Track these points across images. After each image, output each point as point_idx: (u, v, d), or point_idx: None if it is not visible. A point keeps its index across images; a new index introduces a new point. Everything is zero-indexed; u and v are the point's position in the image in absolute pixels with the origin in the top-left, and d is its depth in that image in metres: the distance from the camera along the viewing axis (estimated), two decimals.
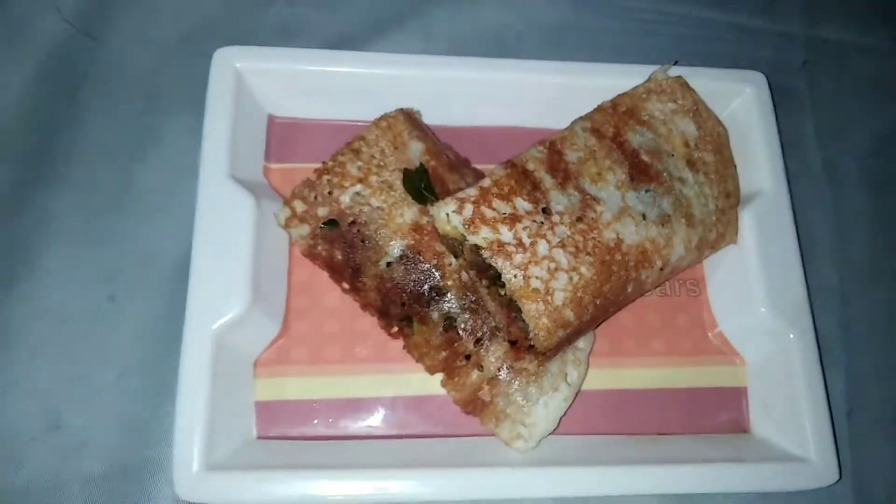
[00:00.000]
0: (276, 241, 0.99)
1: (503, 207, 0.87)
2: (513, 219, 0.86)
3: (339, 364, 0.96)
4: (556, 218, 0.88)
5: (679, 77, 1.05)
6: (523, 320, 0.86)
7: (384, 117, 0.99)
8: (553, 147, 0.94)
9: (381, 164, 0.95)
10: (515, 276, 0.83)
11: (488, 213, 0.86)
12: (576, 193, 0.90)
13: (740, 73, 1.11)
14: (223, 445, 0.87)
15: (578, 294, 0.85)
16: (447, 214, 0.86)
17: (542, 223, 0.87)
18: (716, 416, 0.99)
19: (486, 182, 0.88)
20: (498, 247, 0.84)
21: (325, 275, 0.97)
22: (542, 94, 1.08)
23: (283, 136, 1.07)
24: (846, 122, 1.23)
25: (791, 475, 0.92)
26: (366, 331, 0.97)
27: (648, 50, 1.23)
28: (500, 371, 0.90)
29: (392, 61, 1.05)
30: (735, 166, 1.05)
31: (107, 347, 0.96)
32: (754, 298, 0.98)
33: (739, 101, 1.10)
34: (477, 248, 0.86)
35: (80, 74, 1.10)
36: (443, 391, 0.93)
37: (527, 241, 0.85)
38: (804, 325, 0.97)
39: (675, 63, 1.06)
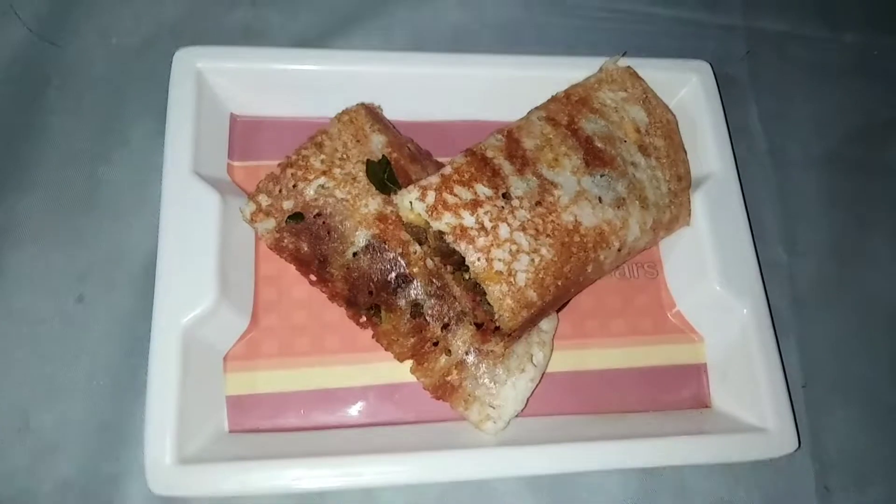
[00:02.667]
0: (241, 236, 1.00)
1: (464, 194, 0.89)
2: (474, 204, 0.89)
3: (309, 356, 0.97)
4: (515, 202, 0.91)
5: (628, 67, 1.09)
6: (488, 303, 0.88)
7: (346, 112, 1.01)
8: (510, 135, 0.97)
9: (345, 156, 0.97)
10: (479, 260, 0.86)
11: (450, 199, 0.88)
12: (534, 179, 0.94)
13: (686, 62, 1.16)
14: (195, 440, 0.87)
15: (540, 275, 0.88)
16: (410, 202, 0.89)
17: (502, 207, 0.90)
18: (677, 392, 1.03)
19: (447, 170, 0.91)
20: (461, 231, 0.87)
21: (292, 268, 0.98)
22: (499, 88, 1.11)
23: (245, 134, 1.08)
24: (788, 108, 1.29)
25: (752, 446, 0.95)
26: (335, 322, 0.99)
27: (597, 44, 1.27)
28: (467, 355, 0.92)
29: (352, 58, 1.07)
30: (685, 151, 1.09)
31: (76, 348, 0.96)
32: (708, 277, 1.02)
33: (686, 90, 1.15)
34: (440, 233, 0.88)
35: (43, 80, 1.10)
36: (413, 378, 0.95)
37: (488, 224, 0.88)
38: (757, 301, 1.02)
39: (624, 54, 1.10)
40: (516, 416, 0.92)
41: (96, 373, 0.95)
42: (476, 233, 0.87)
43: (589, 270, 0.94)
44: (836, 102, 1.31)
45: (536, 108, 1.03)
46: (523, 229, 0.89)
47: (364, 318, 0.95)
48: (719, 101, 1.14)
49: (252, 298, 0.99)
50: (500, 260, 0.86)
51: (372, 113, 1.03)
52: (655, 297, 1.08)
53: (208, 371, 0.93)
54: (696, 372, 1.05)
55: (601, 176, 0.98)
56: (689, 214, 1.06)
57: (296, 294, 1.00)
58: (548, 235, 0.90)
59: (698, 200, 1.06)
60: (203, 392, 0.91)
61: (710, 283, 1.02)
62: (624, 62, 1.10)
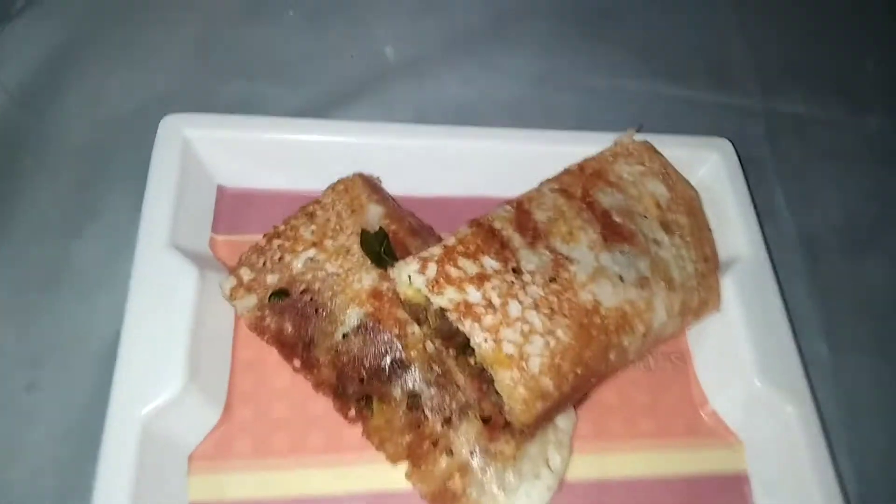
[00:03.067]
0: (220, 316, 0.89)
1: (470, 267, 0.79)
2: (480, 278, 0.78)
3: (287, 456, 0.83)
4: (527, 277, 0.80)
5: (645, 141, 1.02)
6: (497, 392, 0.76)
7: (341, 181, 0.93)
8: (520, 206, 0.88)
9: (338, 227, 0.88)
10: (486, 341, 0.75)
11: (454, 272, 0.78)
12: (547, 253, 0.84)
13: (706, 139, 1.09)
14: None
15: (556, 360, 0.76)
16: (409, 276, 0.79)
17: (512, 283, 0.79)
18: None
19: (451, 240, 0.81)
20: (465, 308, 0.76)
21: (273, 353, 0.87)
22: (505, 162, 1.04)
23: (233, 207, 1.00)
24: (814, 192, 1.22)
25: None
26: (319, 416, 0.86)
27: (609, 123, 1.20)
28: (472, 456, 0.79)
29: (349, 129, 1.01)
30: (710, 230, 1.00)
31: (20, 443, 0.83)
32: (745, 370, 0.90)
33: (707, 168, 1.08)
34: (442, 311, 0.78)
35: (19, 146, 1.03)
36: (407, 485, 0.81)
37: (497, 301, 0.77)
38: (803, 397, 0.89)
39: (640, 128, 1.03)
40: None
41: (41, 472, 0.82)
42: (483, 310, 0.76)
43: (611, 357, 0.82)
44: (864, 188, 1.24)
45: (548, 180, 0.95)
46: (536, 307, 0.78)
47: (353, 412, 0.82)
48: (743, 180, 1.06)
49: (226, 387, 0.87)
50: (510, 342, 0.75)
51: (369, 183, 0.95)
52: (686, 393, 0.95)
53: (169, 472, 0.80)
54: (737, 482, 0.90)
55: (621, 253, 0.88)
56: (719, 299, 0.95)
57: (276, 383, 0.88)
58: (564, 315, 0.79)
59: (728, 284, 0.96)
60: (161, 498, 0.77)
61: (747, 377, 0.90)
62: (639, 138, 1.02)
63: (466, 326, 0.75)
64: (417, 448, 0.79)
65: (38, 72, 1.09)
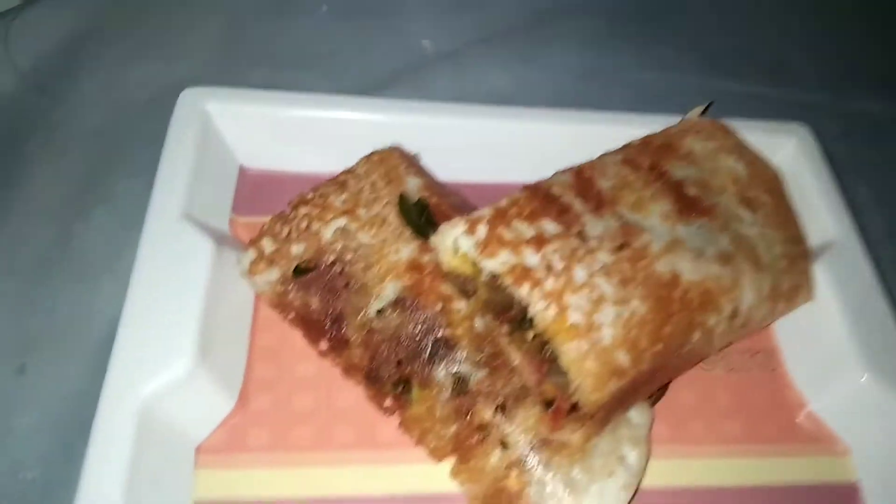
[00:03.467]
0: (237, 298, 0.79)
1: (525, 230, 0.68)
2: (539, 241, 0.67)
3: (311, 451, 0.71)
4: (593, 243, 0.69)
5: (715, 120, 0.92)
6: (560, 372, 0.64)
7: (376, 152, 0.83)
8: (581, 174, 0.77)
9: (372, 197, 0.78)
10: (547, 308, 0.63)
11: (507, 234, 0.67)
12: (614, 220, 0.72)
13: (781, 124, 0.99)
14: None
15: (632, 333, 0.64)
16: (455, 239, 0.68)
17: (576, 248, 0.68)
18: None
19: (503, 202, 0.71)
20: (522, 272, 0.64)
21: (296, 340, 0.76)
22: (556, 145, 0.93)
23: (256, 189, 0.91)
24: None
25: None
26: (349, 408, 0.74)
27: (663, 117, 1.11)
28: (531, 449, 0.65)
29: (383, 106, 0.92)
30: (796, 213, 0.88)
31: (4, 429, 0.72)
32: (850, 366, 0.77)
33: (784, 154, 0.97)
34: (494, 279, 0.67)
35: (29, 130, 0.96)
36: (453, 486, 0.68)
37: (558, 265, 0.65)
38: None
39: (710, 104, 0.93)
40: None
41: (25, 463, 0.71)
42: (543, 274, 0.64)
43: (695, 339, 0.69)
44: None
45: (608, 152, 0.84)
46: (606, 274, 0.66)
47: (389, 400, 0.70)
48: (825, 164, 0.95)
49: (242, 375, 0.75)
50: (576, 309, 0.63)
51: (406, 157, 0.85)
52: (777, 395, 0.81)
53: (172, 464, 0.68)
54: (847, 494, 0.75)
55: (699, 227, 0.76)
56: (812, 287, 0.83)
57: (300, 371, 0.76)
58: (639, 285, 0.67)
59: (821, 272, 0.84)
60: (162, 492, 0.65)
61: (851, 373, 0.77)
62: None
63: (524, 292, 0.63)
64: (465, 441, 0.67)
65: (55, 56, 1.04)
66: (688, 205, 0.78)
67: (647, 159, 0.82)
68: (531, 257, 0.66)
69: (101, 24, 1.08)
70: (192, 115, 0.87)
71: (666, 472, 0.74)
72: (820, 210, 0.90)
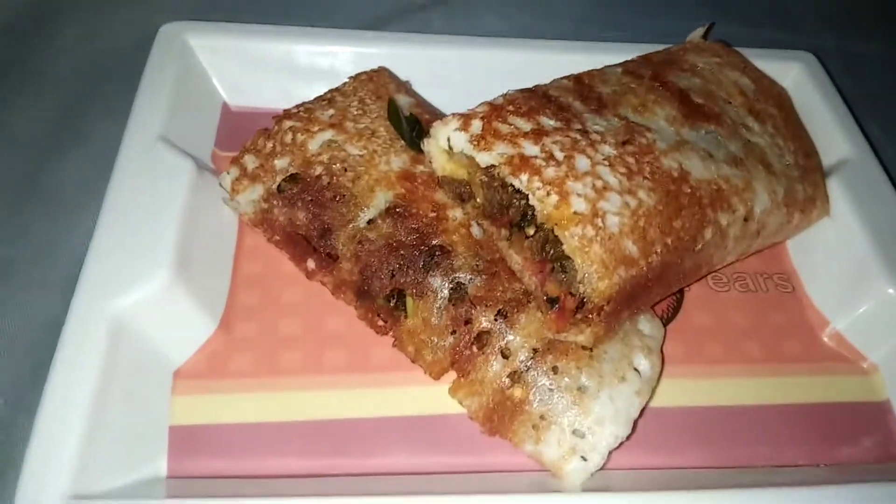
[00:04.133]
0: (220, 225, 0.75)
1: (523, 124, 0.64)
2: (538, 133, 0.63)
3: (299, 375, 0.66)
4: (595, 137, 0.64)
5: (719, 40, 0.88)
6: (564, 270, 0.59)
7: (364, 72, 0.79)
8: (580, 80, 0.73)
9: (361, 111, 0.73)
10: (548, 195, 0.58)
11: (504, 128, 0.63)
12: (616, 120, 0.68)
13: (785, 52, 0.95)
14: (109, 488, 0.55)
15: (641, 223, 0.59)
16: (448, 138, 0.63)
17: (577, 139, 0.63)
18: (854, 440, 0.67)
19: (499, 99, 0.66)
20: (520, 161, 0.60)
21: (283, 267, 0.72)
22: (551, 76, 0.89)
23: (240, 125, 0.86)
24: None
25: None
26: (340, 332, 0.69)
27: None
28: (534, 354, 0.60)
29: (372, 38, 0.89)
30: (805, 129, 0.84)
31: None
32: (873, 280, 0.72)
33: (790, 80, 0.92)
34: (491, 179, 0.62)
35: (3, 75, 0.92)
36: (451, 407, 0.63)
37: (559, 154, 0.61)
38: None
39: (712, 25, 0.89)
40: (619, 446, 0.58)
41: None
42: (543, 163, 0.60)
43: (707, 237, 0.64)
44: None
45: (609, 65, 0.79)
46: (610, 165, 0.62)
47: (382, 317, 0.65)
48: (833, 86, 0.91)
49: (224, 301, 0.70)
50: (579, 196, 0.58)
51: (396, 78, 0.81)
52: (797, 315, 0.76)
53: (148, 386, 0.63)
54: (878, 413, 0.70)
55: (706, 132, 0.72)
56: (827, 200, 0.78)
57: (287, 297, 0.71)
58: (646, 177, 0.62)
59: (836, 188, 0.80)
60: (134, 415, 0.60)
61: (877, 288, 0.72)
62: None
63: (523, 181, 0.59)
64: (463, 352, 0.61)
65: (30, 6, 1.00)
66: (693, 110, 0.73)
67: (648, 71, 0.78)
68: (530, 148, 0.61)
69: None
70: (172, 48, 0.83)
71: (684, 393, 0.68)
72: (831, 129, 0.86)
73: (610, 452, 0.58)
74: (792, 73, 0.93)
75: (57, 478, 0.52)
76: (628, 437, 0.58)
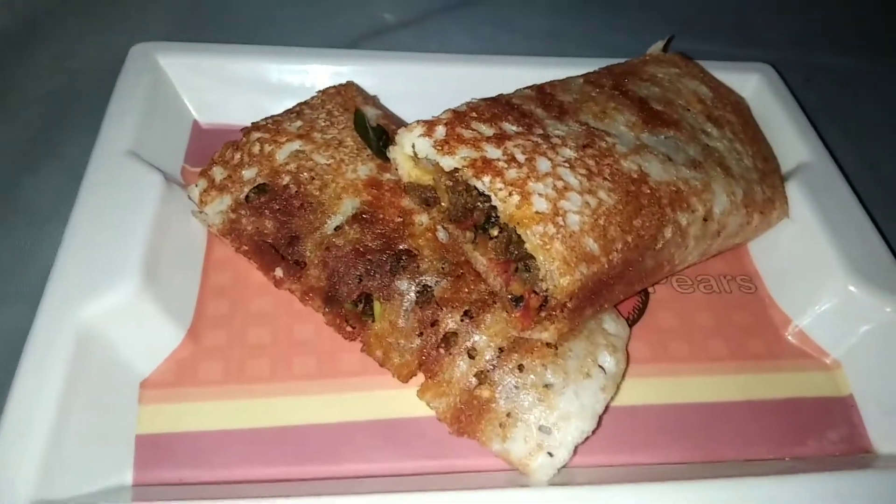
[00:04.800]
0: (189, 238, 0.75)
1: (485, 129, 0.65)
2: (500, 138, 0.64)
3: (267, 383, 0.66)
4: (556, 140, 0.66)
5: (678, 53, 0.91)
6: (527, 269, 0.60)
7: (332, 87, 0.81)
8: (542, 89, 0.75)
9: (329, 123, 0.75)
10: (511, 194, 0.59)
11: (467, 133, 0.64)
12: (577, 126, 0.70)
13: (744, 64, 0.98)
14: (74, 495, 0.54)
15: (601, 221, 0.61)
16: (413, 144, 0.65)
17: (538, 143, 0.65)
18: (820, 434, 0.69)
19: (462, 107, 0.68)
20: (483, 164, 0.61)
21: (250, 277, 0.72)
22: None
23: (209, 144, 0.86)
24: (874, 129, 1.08)
25: None
26: (308, 339, 0.69)
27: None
28: (500, 353, 0.61)
29: (342, 56, 0.90)
30: (763, 135, 0.86)
31: None
32: (833, 278, 0.74)
33: (749, 91, 0.95)
34: (456, 183, 0.64)
35: None
36: (419, 411, 0.63)
37: (521, 157, 0.62)
38: None
39: (671, 38, 0.92)
40: (584, 440, 0.58)
41: None
42: (504, 164, 0.61)
43: (668, 235, 0.66)
44: None
45: (570, 77, 0.81)
46: (571, 167, 0.63)
47: (350, 322, 0.65)
48: (791, 95, 0.94)
49: (192, 311, 0.70)
50: (541, 195, 0.60)
51: (364, 92, 0.83)
52: (761, 314, 0.78)
53: (113, 395, 0.62)
54: (842, 408, 0.71)
55: (665, 137, 0.74)
56: (786, 201, 0.80)
57: (255, 307, 0.71)
58: (605, 178, 0.64)
59: (795, 190, 0.82)
60: (100, 423, 0.59)
61: (837, 285, 0.73)
62: None
63: (485, 182, 0.60)
64: (431, 353, 0.62)
65: (9, 27, 1.01)
66: (653, 116, 0.76)
67: (609, 80, 0.80)
68: (492, 151, 0.62)
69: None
70: (142, 67, 0.84)
71: (651, 391, 0.69)
72: (789, 135, 0.89)
73: (576, 447, 0.58)
74: (751, 83, 0.95)
75: (21, 484, 0.52)
76: (593, 432, 0.59)
